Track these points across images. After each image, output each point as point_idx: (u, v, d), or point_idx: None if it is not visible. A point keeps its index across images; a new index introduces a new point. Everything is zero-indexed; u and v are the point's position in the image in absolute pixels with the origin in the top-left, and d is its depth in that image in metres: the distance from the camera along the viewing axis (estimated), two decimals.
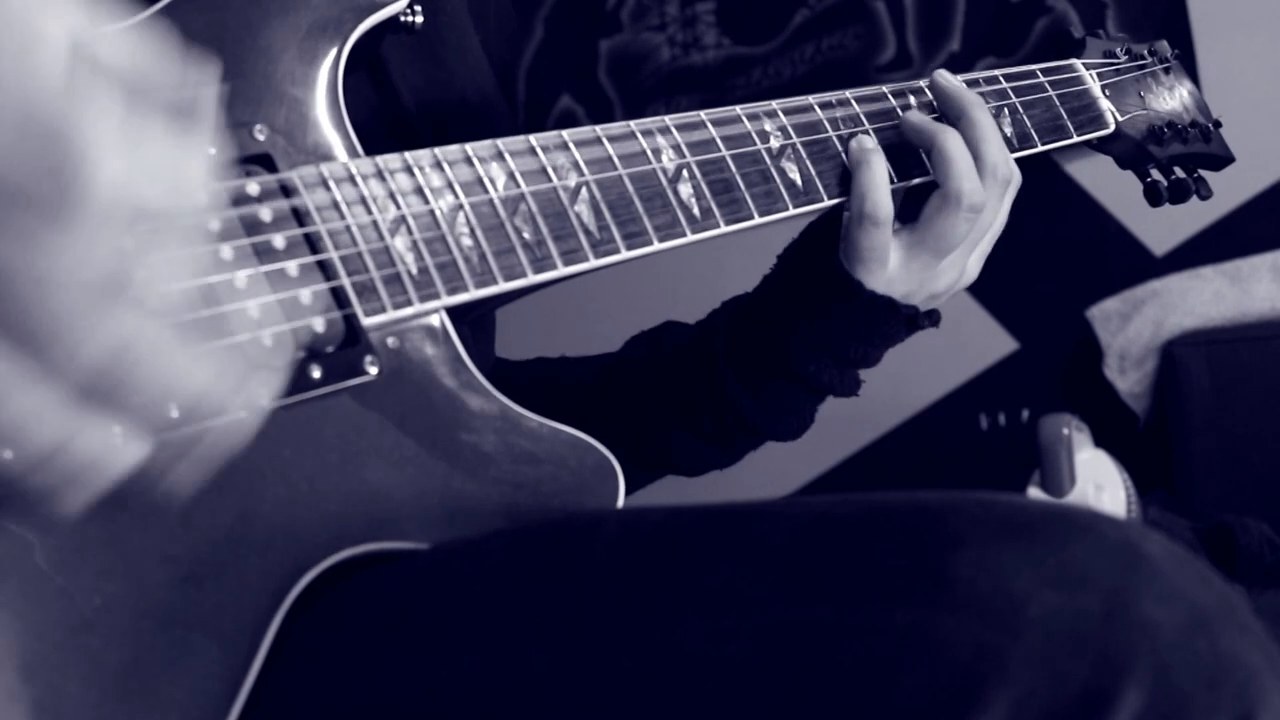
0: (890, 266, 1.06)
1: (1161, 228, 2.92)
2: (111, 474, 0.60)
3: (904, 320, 1.08)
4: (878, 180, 1.03)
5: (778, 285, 1.12)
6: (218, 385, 0.61)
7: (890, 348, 1.12)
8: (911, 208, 1.08)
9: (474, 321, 1.00)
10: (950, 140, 1.05)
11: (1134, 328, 2.83)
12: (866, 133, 1.07)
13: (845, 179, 1.05)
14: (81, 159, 0.56)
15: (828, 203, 1.03)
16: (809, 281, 1.08)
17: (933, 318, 1.12)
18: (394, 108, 1.01)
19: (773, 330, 1.09)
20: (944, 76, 1.11)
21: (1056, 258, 3.00)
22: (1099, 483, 2.36)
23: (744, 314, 1.13)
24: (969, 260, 1.11)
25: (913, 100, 1.11)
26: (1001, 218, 1.12)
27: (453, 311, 0.85)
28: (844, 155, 1.05)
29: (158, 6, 0.81)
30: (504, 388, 0.87)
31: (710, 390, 1.12)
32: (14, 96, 0.54)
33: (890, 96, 1.10)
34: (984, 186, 1.06)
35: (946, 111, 1.10)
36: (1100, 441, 2.45)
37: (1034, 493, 2.35)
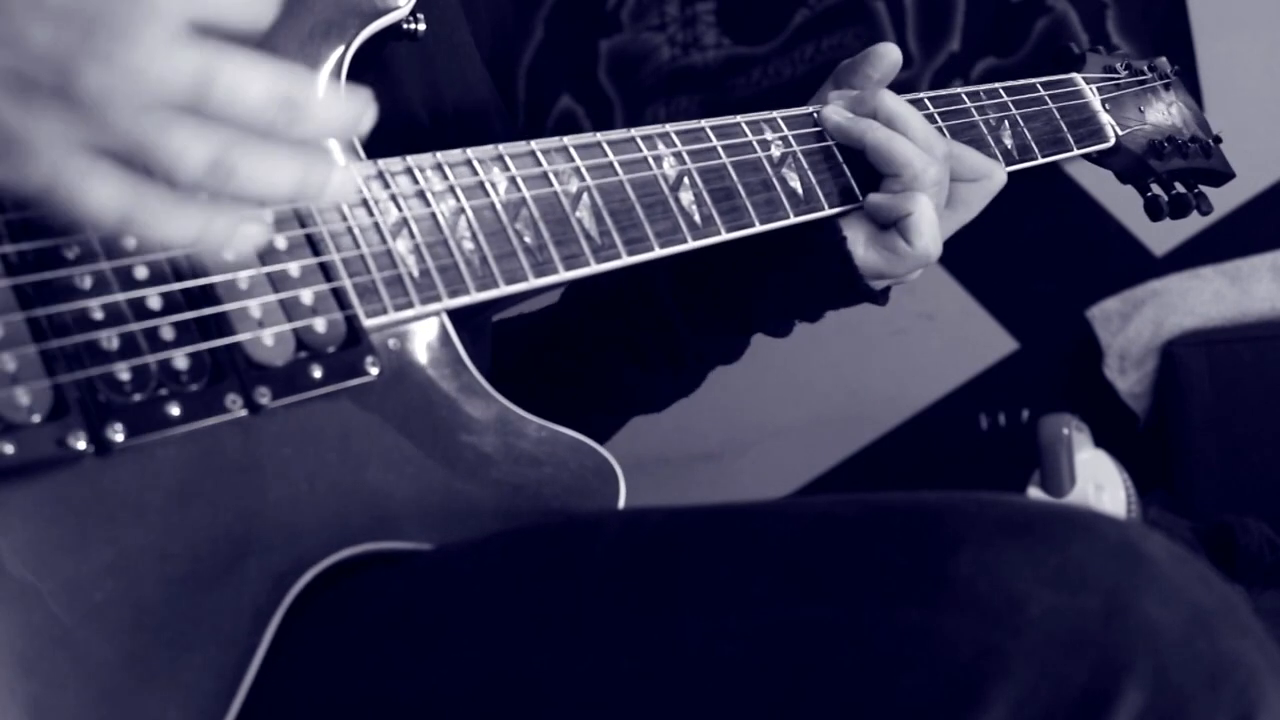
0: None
1: (1161, 228, 2.89)
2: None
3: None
4: (933, 219, 1.05)
5: (748, 251, 1.10)
6: (309, 179, 0.70)
7: None
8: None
9: (473, 328, 1.00)
10: (898, 145, 1.05)
11: (1134, 328, 2.83)
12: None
13: (846, 188, 1.05)
14: None
15: (828, 211, 1.04)
16: (801, 260, 1.09)
17: (887, 295, 1.14)
18: (401, 113, 1.01)
19: (740, 291, 1.11)
20: (830, 112, 1.07)
21: (1056, 258, 3.00)
22: (1099, 483, 2.36)
23: (701, 266, 1.12)
24: None
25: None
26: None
27: (453, 316, 0.85)
28: (845, 165, 1.05)
29: None
30: None
31: (658, 329, 1.13)
32: None
33: None
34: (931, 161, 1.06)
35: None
36: (1100, 441, 2.45)
37: (1034, 493, 2.35)
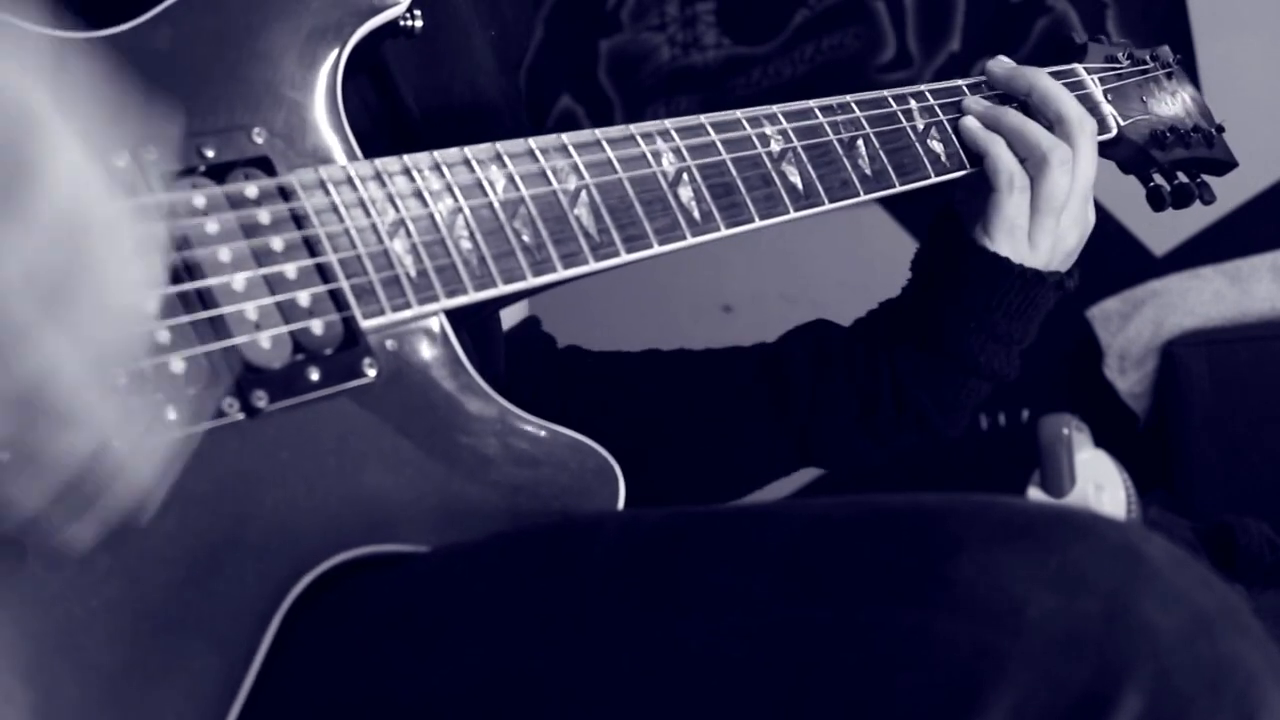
0: (1024, 243, 1.13)
1: (1162, 228, 2.92)
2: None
3: (1052, 286, 1.15)
4: (1008, 153, 1.12)
5: (924, 280, 1.18)
6: (120, 430, 0.63)
7: (1041, 316, 1.19)
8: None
9: (474, 327, 1.00)
10: (1011, 116, 1.14)
11: (1134, 328, 2.83)
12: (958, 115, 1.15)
13: (846, 182, 1.05)
14: (36, 161, 0.59)
15: (828, 206, 1.04)
16: (952, 272, 1.14)
17: (1074, 276, 1.19)
18: (397, 111, 1.01)
19: (927, 317, 1.15)
20: (998, 63, 1.20)
21: None
22: (1099, 483, 2.36)
23: (899, 308, 1.19)
24: (1087, 209, 1.17)
25: (914, 104, 1.12)
26: (1092, 161, 1.16)
27: (452, 315, 0.85)
28: (845, 159, 1.05)
29: (157, 10, 0.81)
30: (621, 376, 0.88)
31: (880, 379, 1.17)
32: None
33: (892, 101, 1.11)
34: (1070, 137, 1.13)
35: (1014, 92, 1.18)
36: (1100, 441, 2.45)
37: (1034, 493, 2.34)
